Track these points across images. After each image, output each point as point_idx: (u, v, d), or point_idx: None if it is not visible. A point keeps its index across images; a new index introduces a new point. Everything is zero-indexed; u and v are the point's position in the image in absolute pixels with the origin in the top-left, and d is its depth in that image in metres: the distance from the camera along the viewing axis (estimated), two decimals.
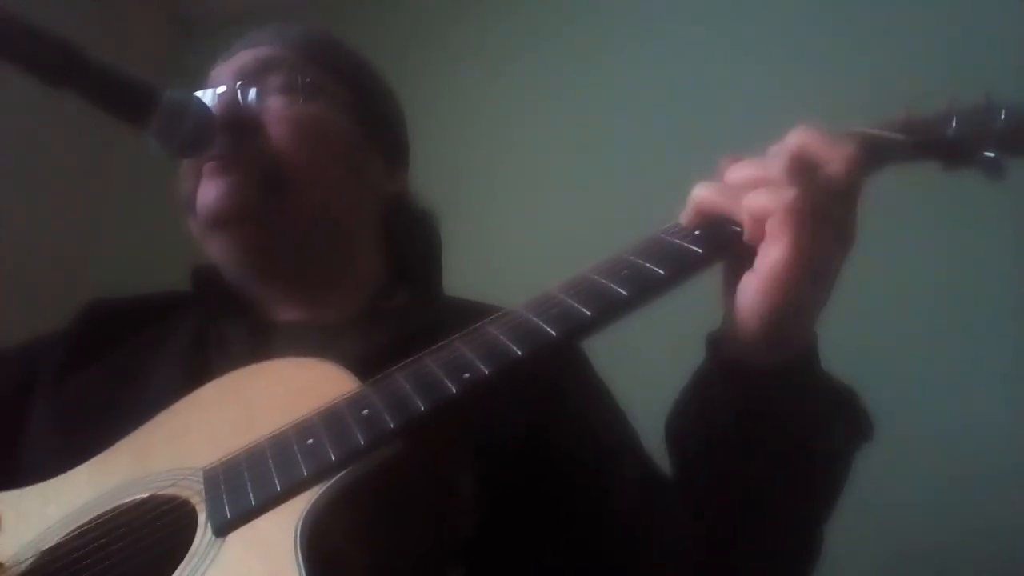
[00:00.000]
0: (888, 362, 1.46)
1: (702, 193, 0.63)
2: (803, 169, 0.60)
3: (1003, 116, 0.67)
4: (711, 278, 0.62)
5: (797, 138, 0.62)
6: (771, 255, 0.57)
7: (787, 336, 0.62)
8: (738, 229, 0.60)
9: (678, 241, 0.61)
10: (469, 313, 0.64)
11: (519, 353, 0.57)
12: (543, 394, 0.75)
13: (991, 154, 0.67)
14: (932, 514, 1.43)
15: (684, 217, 0.63)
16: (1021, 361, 1.50)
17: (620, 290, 0.58)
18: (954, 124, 0.69)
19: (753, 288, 0.59)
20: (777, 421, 0.63)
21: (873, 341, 1.45)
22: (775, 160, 0.62)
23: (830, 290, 0.61)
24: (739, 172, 0.63)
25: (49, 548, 0.62)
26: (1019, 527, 1.40)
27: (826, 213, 0.58)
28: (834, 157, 0.60)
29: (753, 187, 0.60)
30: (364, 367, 0.64)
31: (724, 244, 0.60)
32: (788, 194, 0.57)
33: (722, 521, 0.68)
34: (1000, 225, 1.52)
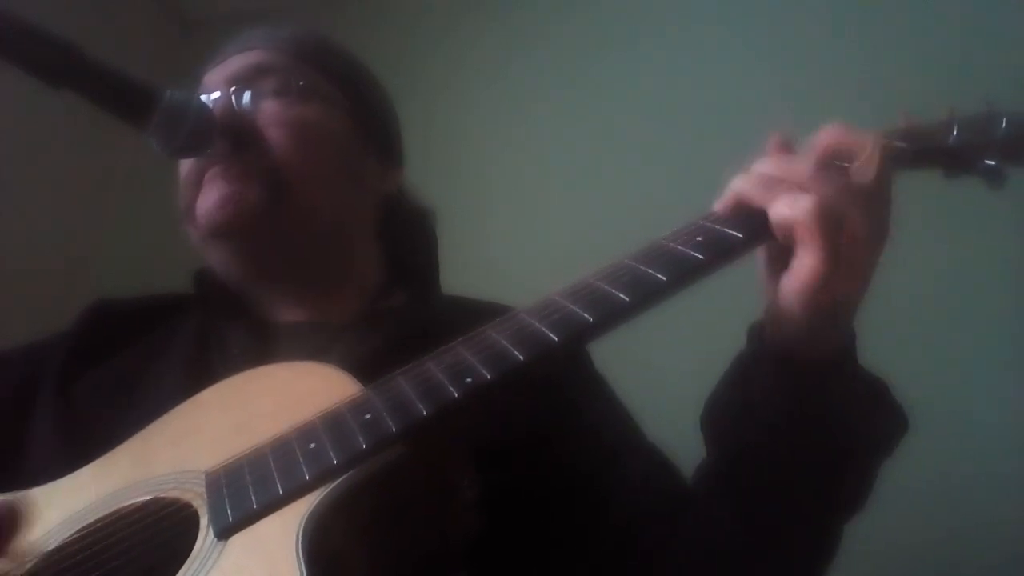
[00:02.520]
0: (888, 362, 1.46)
1: (740, 185, 0.63)
2: (832, 168, 0.61)
3: (1004, 124, 0.68)
4: (713, 283, 0.62)
5: (826, 136, 0.63)
6: (804, 261, 0.59)
7: (829, 332, 0.63)
8: (740, 236, 0.60)
9: (679, 247, 0.61)
10: (468, 311, 0.65)
11: (521, 358, 0.57)
12: (545, 396, 0.75)
13: (992, 162, 0.67)
14: (932, 514, 1.43)
15: (720, 205, 0.64)
16: (1021, 361, 1.51)
17: (622, 295, 0.58)
18: (955, 132, 0.69)
19: (792, 291, 0.60)
20: (821, 412, 0.64)
21: (873, 342, 1.45)
22: (804, 159, 0.63)
23: (867, 284, 0.62)
24: (769, 168, 0.63)
25: (51, 550, 0.62)
26: (1019, 527, 1.40)
27: (856, 213, 0.59)
28: (864, 152, 0.61)
29: (782, 185, 0.61)
30: (365, 367, 0.64)
31: (726, 251, 0.60)
32: (810, 202, 0.58)
33: (757, 507, 0.68)
34: (1001, 233, 1.52)
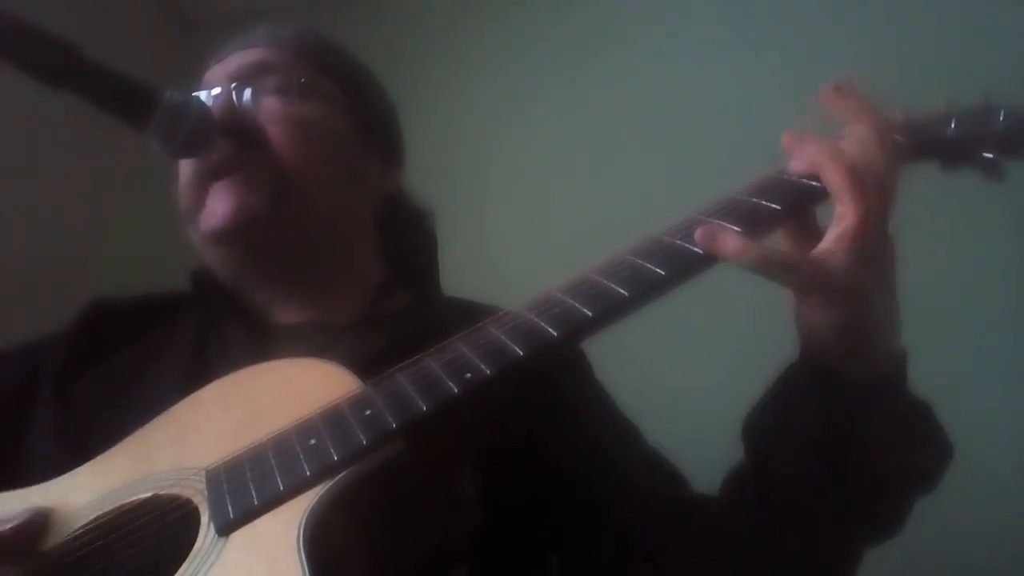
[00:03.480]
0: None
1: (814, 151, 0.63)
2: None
3: (1002, 117, 0.68)
4: (712, 279, 0.62)
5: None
6: (845, 222, 0.58)
7: (873, 352, 0.62)
8: (738, 230, 0.60)
9: (678, 241, 0.61)
10: (468, 313, 0.65)
11: (520, 353, 0.57)
12: (543, 395, 0.75)
13: (990, 155, 0.67)
14: (932, 514, 1.43)
15: (794, 166, 0.64)
16: (1021, 361, 1.50)
17: (621, 290, 0.58)
18: (953, 125, 0.69)
19: (829, 249, 0.59)
20: (865, 434, 0.63)
21: None
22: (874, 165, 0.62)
23: (895, 298, 0.63)
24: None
25: (52, 547, 0.62)
26: (1019, 527, 1.40)
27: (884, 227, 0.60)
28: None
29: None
30: (364, 367, 0.64)
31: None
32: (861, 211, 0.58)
33: (783, 521, 0.67)
34: (1000, 225, 1.52)
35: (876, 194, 0.59)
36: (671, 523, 0.76)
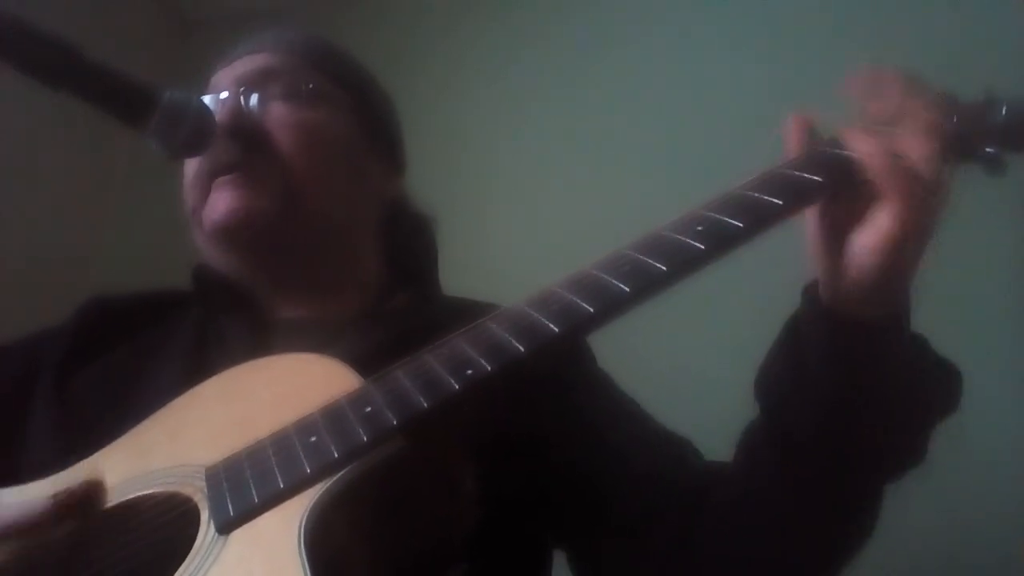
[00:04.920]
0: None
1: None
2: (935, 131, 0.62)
3: (1003, 112, 0.67)
4: (713, 273, 0.62)
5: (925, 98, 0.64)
6: (893, 217, 0.58)
7: (894, 294, 0.63)
8: (741, 225, 0.60)
9: (679, 236, 0.61)
10: (468, 312, 0.65)
11: (521, 349, 0.57)
12: (545, 389, 0.75)
13: (991, 150, 0.67)
14: (932, 514, 1.43)
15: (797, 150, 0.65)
16: (1021, 361, 1.50)
17: (622, 285, 0.58)
18: (954, 120, 0.69)
19: (868, 247, 0.59)
20: (879, 372, 0.64)
21: None
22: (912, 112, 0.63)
23: (925, 249, 0.63)
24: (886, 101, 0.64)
25: (51, 545, 0.61)
26: (1019, 527, 1.39)
27: (943, 177, 0.60)
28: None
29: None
30: (364, 365, 0.64)
31: (727, 240, 0.60)
32: (928, 161, 0.59)
33: (807, 469, 0.67)
34: (1001, 222, 1.52)
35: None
36: (687, 502, 0.75)
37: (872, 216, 0.60)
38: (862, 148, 0.61)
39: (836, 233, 0.63)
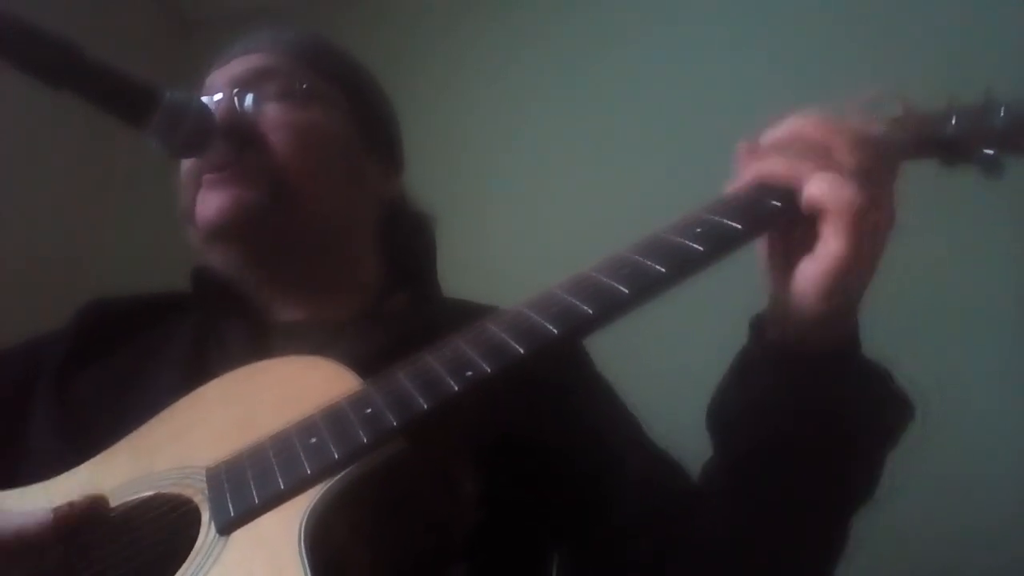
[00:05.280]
0: (887, 361, 1.46)
1: (768, 163, 0.63)
2: (872, 151, 0.61)
3: (1002, 114, 0.67)
4: (710, 277, 0.62)
5: (848, 121, 0.63)
6: (832, 247, 0.58)
7: (839, 321, 0.63)
8: (740, 227, 0.60)
9: (678, 239, 0.61)
10: (467, 314, 0.65)
11: (520, 351, 0.57)
12: (544, 392, 0.75)
13: (990, 152, 0.67)
14: (932, 514, 1.43)
15: (739, 183, 0.64)
16: (1021, 361, 1.50)
17: (621, 288, 0.58)
18: (953, 121, 0.69)
19: (811, 278, 0.60)
20: (826, 404, 0.64)
21: (872, 341, 1.45)
22: (840, 133, 0.62)
23: (872, 276, 0.63)
24: (797, 130, 0.63)
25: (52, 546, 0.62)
26: (1019, 527, 1.39)
27: (885, 198, 0.60)
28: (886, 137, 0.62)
29: (814, 154, 0.61)
30: (364, 366, 0.64)
31: (726, 242, 0.60)
32: (852, 187, 0.58)
33: (765, 503, 0.68)
34: (999, 223, 1.52)
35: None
36: (674, 518, 0.76)
37: (816, 247, 0.60)
38: (809, 186, 0.60)
39: (783, 263, 0.63)
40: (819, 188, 0.59)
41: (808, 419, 0.64)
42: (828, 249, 0.59)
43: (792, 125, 0.65)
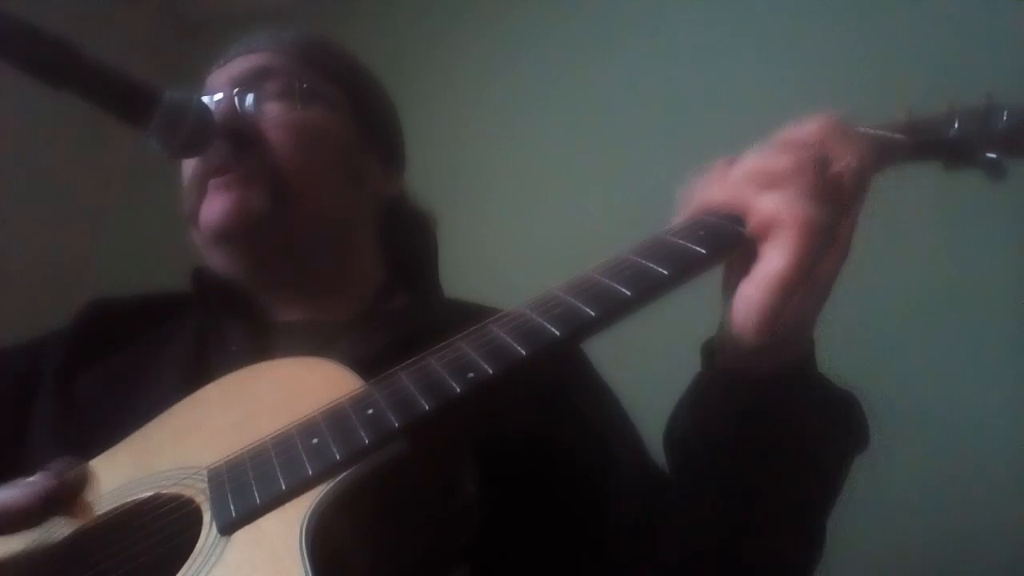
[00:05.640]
0: (887, 361, 1.46)
1: (707, 191, 0.61)
2: (817, 167, 0.57)
3: (1005, 117, 0.68)
4: (713, 279, 0.62)
5: (814, 130, 0.60)
6: (773, 264, 0.54)
7: (785, 343, 0.62)
8: (742, 230, 0.60)
9: (681, 241, 0.61)
10: (468, 315, 0.65)
11: (523, 353, 0.57)
12: (545, 394, 0.75)
13: (992, 155, 0.67)
14: (932, 514, 1.43)
15: (684, 214, 0.61)
16: (1021, 361, 1.50)
17: (624, 290, 0.58)
18: (956, 125, 0.69)
19: (750, 295, 0.54)
20: (775, 427, 0.64)
21: (872, 340, 1.45)
22: (788, 153, 0.58)
23: (826, 298, 0.61)
24: (749, 164, 0.60)
25: (52, 546, 0.61)
26: (1019, 527, 1.40)
27: (833, 223, 0.55)
28: (849, 156, 0.58)
29: (764, 181, 0.57)
30: (363, 368, 0.64)
31: (728, 244, 0.60)
32: (800, 205, 0.54)
33: (723, 525, 0.68)
34: (1001, 226, 1.52)
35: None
36: (656, 524, 0.76)
37: (761, 261, 0.55)
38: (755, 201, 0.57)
39: (729, 285, 0.61)
40: (767, 205, 0.56)
41: (758, 440, 0.64)
42: (767, 266, 0.54)
43: (789, 135, 0.62)
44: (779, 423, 0.63)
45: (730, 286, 0.60)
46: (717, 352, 0.66)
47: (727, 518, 0.68)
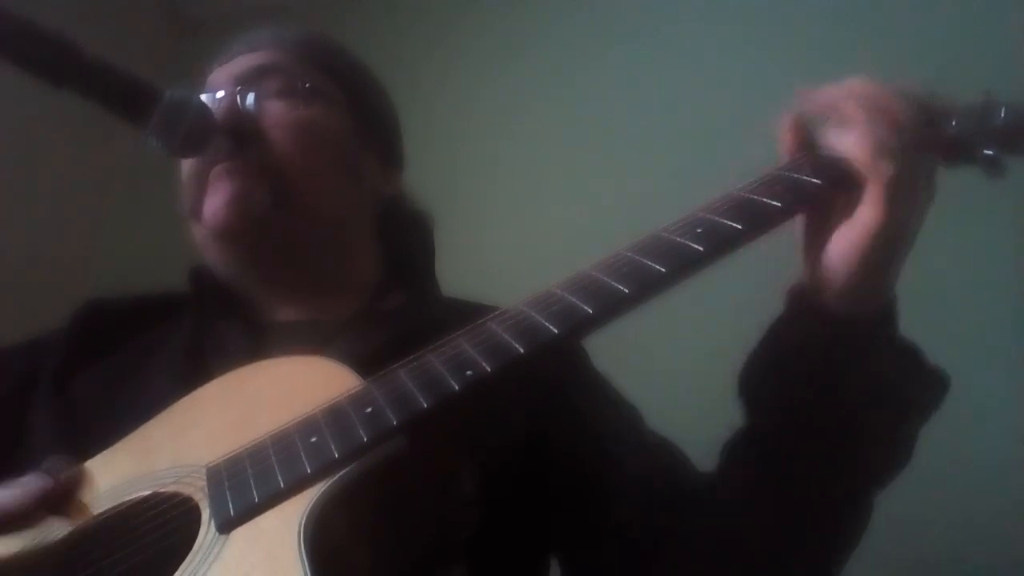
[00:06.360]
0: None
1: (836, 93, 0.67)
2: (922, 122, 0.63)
3: (1003, 114, 0.68)
4: (707, 276, 0.62)
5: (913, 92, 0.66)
6: (877, 211, 0.60)
7: (877, 290, 0.64)
8: (740, 227, 0.60)
9: (678, 238, 0.61)
10: (465, 313, 0.65)
11: (521, 350, 0.57)
12: (543, 391, 0.75)
13: (991, 152, 0.67)
14: (931, 513, 1.43)
15: (785, 149, 0.67)
16: (1021, 360, 1.50)
17: (621, 287, 0.58)
18: (954, 122, 0.69)
19: (851, 241, 0.61)
20: (859, 371, 0.64)
21: None
22: (899, 101, 0.65)
23: (911, 246, 0.64)
24: (851, 91, 0.67)
25: (51, 545, 0.62)
26: (1019, 526, 1.39)
27: (929, 173, 0.63)
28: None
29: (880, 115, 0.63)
30: (361, 366, 0.64)
31: (726, 242, 0.60)
32: (899, 158, 0.60)
33: (793, 472, 0.67)
34: (1000, 223, 1.52)
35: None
36: (675, 506, 0.76)
37: (855, 213, 0.61)
38: (846, 142, 0.63)
39: (821, 231, 0.64)
40: (862, 152, 0.61)
41: (839, 385, 0.65)
42: (864, 217, 0.60)
43: (846, 87, 0.68)
44: (862, 366, 0.64)
45: (816, 235, 0.65)
46: (807, 295, 0.66)
47: (798, 463, 0.67)
